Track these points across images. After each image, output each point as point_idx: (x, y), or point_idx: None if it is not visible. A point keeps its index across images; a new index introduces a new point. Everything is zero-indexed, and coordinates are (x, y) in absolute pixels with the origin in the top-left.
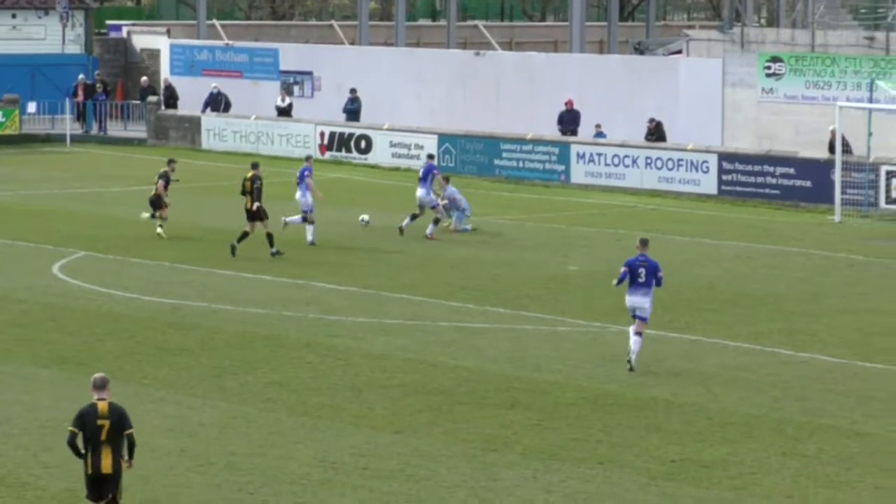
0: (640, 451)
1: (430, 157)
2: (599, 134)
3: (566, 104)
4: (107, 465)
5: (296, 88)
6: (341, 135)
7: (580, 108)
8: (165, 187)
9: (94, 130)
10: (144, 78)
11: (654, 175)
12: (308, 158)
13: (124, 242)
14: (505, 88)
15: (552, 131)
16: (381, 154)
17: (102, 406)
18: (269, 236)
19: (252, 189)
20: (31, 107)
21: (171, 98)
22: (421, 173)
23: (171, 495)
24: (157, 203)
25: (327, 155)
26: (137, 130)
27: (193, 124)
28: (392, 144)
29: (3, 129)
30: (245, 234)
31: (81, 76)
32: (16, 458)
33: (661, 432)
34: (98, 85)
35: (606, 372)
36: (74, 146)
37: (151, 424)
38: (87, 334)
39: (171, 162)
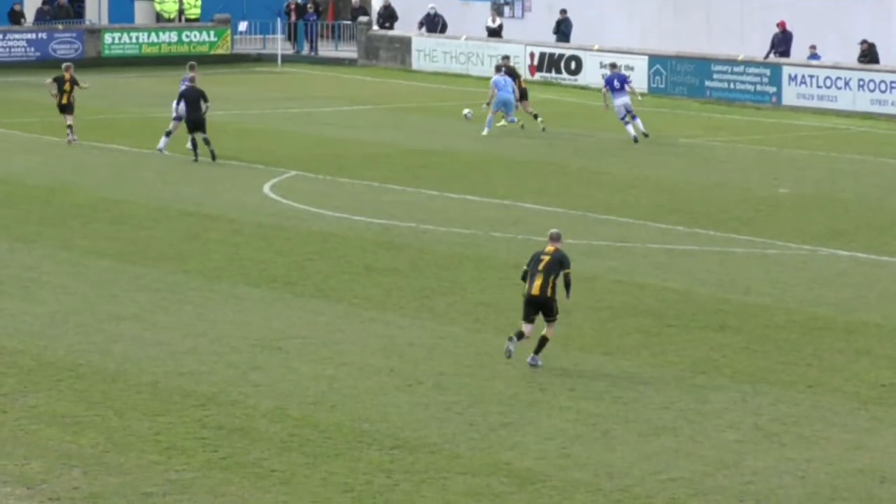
0: (849, 375)
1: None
2: (814, 55)
3: (778, 25)
4: (535, 288)
5: (506, 9)
6: (551, 55)
7: (792, 29)
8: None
9: (305, 50)
10: None
11: (866, 97)
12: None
13: (335, 162)
14: (715, 9)
15: (763, 53)
16: (590, 75)
17: (550, 249)
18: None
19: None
20: (243, 26)
21: (388, 17)
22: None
23: (380, 414)
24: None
25: (537, 76)
26: (348, 51)
27: (404, 45)
28: (602, 66)
29: (215, 49)
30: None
31: None
32: (226, 376)
33: (872, 356)
34: (309, 5)
35: (816, 295)
36: (285, 66)
37: (361, 344)
38: (297, 254)
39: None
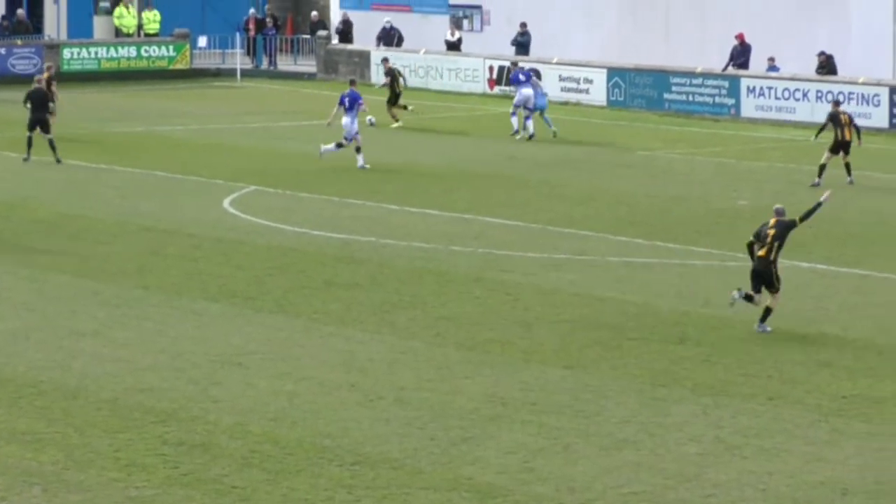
0: (810, 386)
1: (353, 82)
2: (772, 67)
3: (737, 38)
4: (760, 258)
5: (465, 22)
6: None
7: (751, 41)
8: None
9: (265, 65)
10: (315, 12)
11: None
12: (353, 83)
13: (294, 177)
14: (674, 22)
15: (721, 65)
16: (550, 88)
17: (772, 222)
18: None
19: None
20: (202, 41)
21: (346, 32)
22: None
23: (341, 430)
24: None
25: (496, 89)
26: (307, 65)
27: (363, 59)
28: (561, 78)
29: (173, 64)
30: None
31: (252, 10)
32: (186, 392)
33: (832, 368)
34: (268, 19)
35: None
36: (244, 80)
37: (321, 359)
38: (257, 268)
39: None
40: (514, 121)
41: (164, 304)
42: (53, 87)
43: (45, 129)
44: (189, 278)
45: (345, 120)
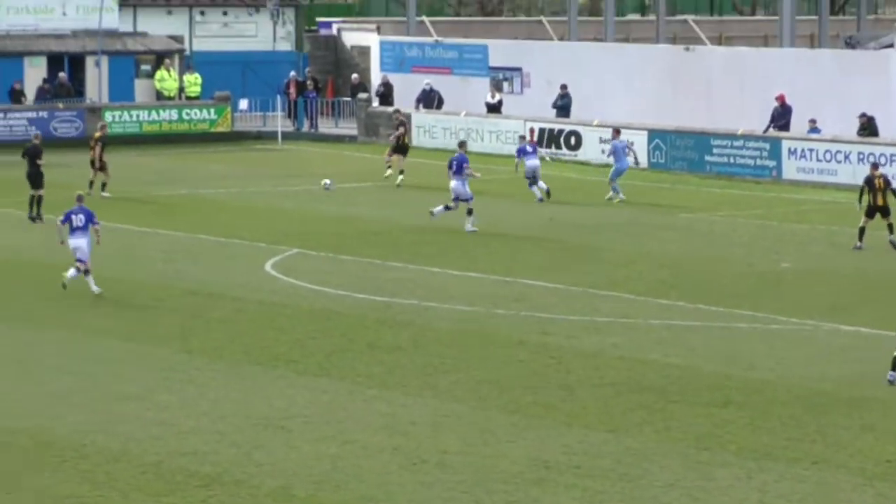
0: (854, 451)
1: (462, 144)
2: (814, 129)
3: (777, 99)
4: (879, 200)
5: (505, 85)
6: (551, 131)
7: (791, 103)
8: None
9: (306, 128)
10: (355, 75)
11: (866, 171)
12: (462, 145)
13: (336, 239)
14: (715, 84)
15: (762, 127)
16: (590, 150)
17: (877, 173)
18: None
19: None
20: (243, 104)
21: (386, 94)
22: (454, 166)
23: (385, 494)
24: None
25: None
26: (348, 127)
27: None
28: (602, 140)
29: (215, 127)
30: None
31: (293, 73)
32: (229, 455)
33: (876, 432)
34: (309, 82)
35: (819, 370)
36: (286, 143)
37: (364, 422)
38: (299, 331)
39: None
40: (535, 190)
41: (208, 367)
42: (97, 151)
43: (36, 184)
44: (232, 341)
45: (453, 184)
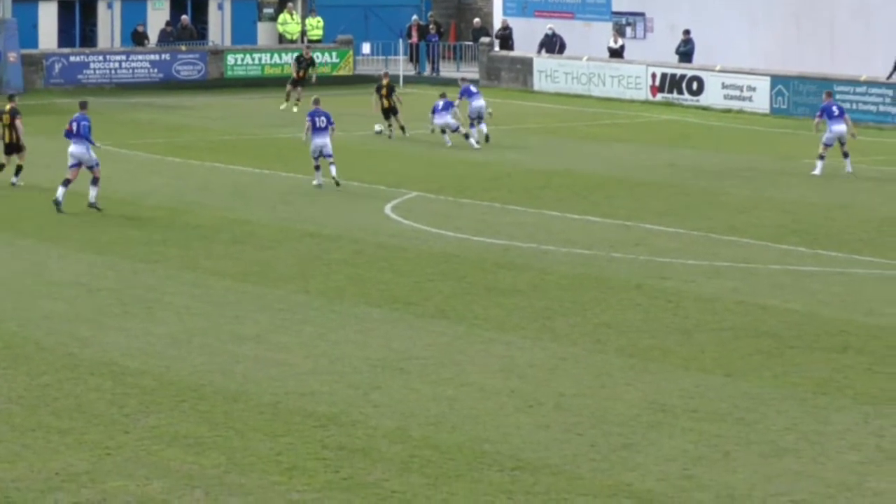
0: None
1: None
2: None
3: None
4: None
5: (628, 30)
6: (673, 76)
7: None
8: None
9: (427, 72)
10: (477, 19)
11: None
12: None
13: (456, 183)
14: (839, 29)
15: (886, 72)
16: (712, 96)
17: None
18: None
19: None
20: (366, 48)
21: (506, 38)
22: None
23: (501, 435)
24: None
25: (658, 97)
26: (470, 71)
27: (525, 65)
28: (724, 86)
29: (337, 70)
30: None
31: (415, 17)
32: (346, 396)
33: None
34: (431, 26)
35: None
36: (407, 87)
37: (481, 364)
38: (418, 274)
39: None
40: (474, 132)
41: (326, 308)
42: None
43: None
44: (351, 283)
45: (442, 120)
